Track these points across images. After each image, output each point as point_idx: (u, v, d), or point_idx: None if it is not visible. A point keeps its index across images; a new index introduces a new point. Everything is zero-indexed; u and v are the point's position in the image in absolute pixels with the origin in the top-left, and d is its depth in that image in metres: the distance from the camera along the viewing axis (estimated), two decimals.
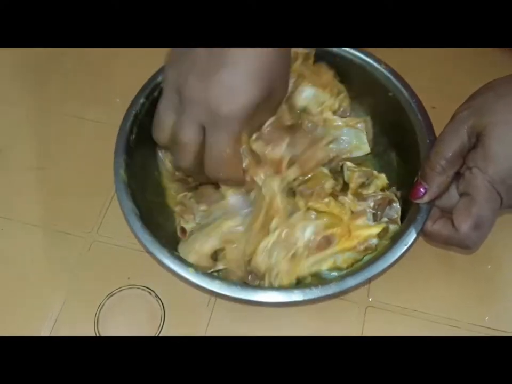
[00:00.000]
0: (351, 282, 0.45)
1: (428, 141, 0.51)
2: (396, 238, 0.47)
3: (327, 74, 0.54)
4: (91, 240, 0.55)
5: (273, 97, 0.46)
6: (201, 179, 0.50)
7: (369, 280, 0.47)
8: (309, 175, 0.51)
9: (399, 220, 0.50)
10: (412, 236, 0.46)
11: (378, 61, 0.55)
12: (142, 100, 0.53)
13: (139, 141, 0.52)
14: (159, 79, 0.54)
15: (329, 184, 0.50)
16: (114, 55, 0.67)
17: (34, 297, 0.52)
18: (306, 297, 0.45)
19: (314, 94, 0.53)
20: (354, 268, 0.47)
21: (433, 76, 0.65)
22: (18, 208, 0.57)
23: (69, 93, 0.66)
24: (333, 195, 0.50)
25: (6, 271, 0.54)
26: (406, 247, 0.46)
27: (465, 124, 0.44)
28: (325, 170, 0.52)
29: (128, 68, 0.67)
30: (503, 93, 0.44)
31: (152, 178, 0.55)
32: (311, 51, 0.54)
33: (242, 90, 0.42)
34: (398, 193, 0.53)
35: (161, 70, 0.54)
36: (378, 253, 0.47)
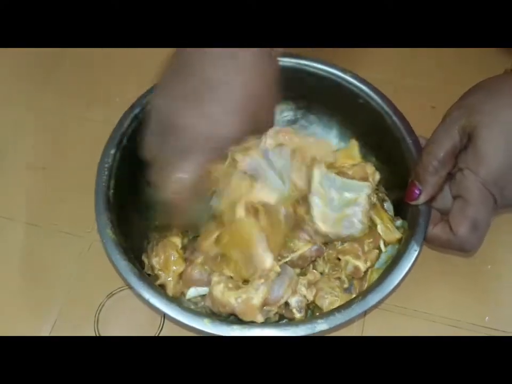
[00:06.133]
0: (373, 299, 0.44)
1: (410, 141, 0.51)
2: (404, 245, 0.46)
3: None
4: (91, 240, 0.55)
5: (257, 128, 0.45)
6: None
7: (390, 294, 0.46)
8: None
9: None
10: (419, 241, 0.46)
11: (343, 69, 0.55)
12: (112, 151, 0.52)
13: (118, 193, 0.51)
14: (125, 126, 0.53)
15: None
16: (114, 55, 0.67)
17: (34, 297, 0.52)
18: (332, 325, 0.43)
19: None
20: (372, 284, 0.46)
21: (433, 76, 0.65)
22: (18, 208, 0.57)
23: (69, 93, 0.66)
24: None
25: (6, 271, 0.53)
26: (416, 252, 0.46)
27: (456, 124, 0.44)
28: None
29: (127, 68, 0.67)
30: (494, 92, 0.44)
31: (137, 226, 0.54)
32: None
33: (225, 123, 0.43)
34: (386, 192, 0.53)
35: (126, 117, 0.53)
36: (390, 265, 0.46)
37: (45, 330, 0.50)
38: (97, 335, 0.49)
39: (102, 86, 0.66)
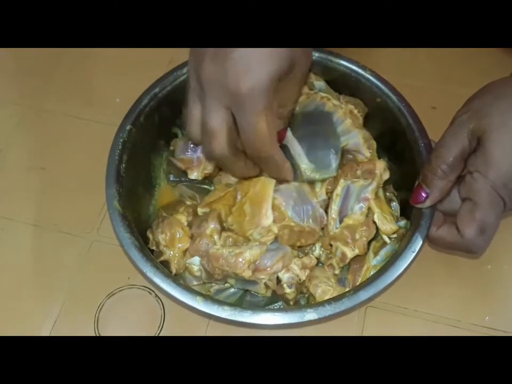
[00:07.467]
0: (364, 295, 0.44)
1: (422, 144, 0.51)
2: (403, 245, 0.47)
3: None
4: (91, 240, 0.55)
5: (296, 68, 0.44)
6: (238, 169, 0.47)
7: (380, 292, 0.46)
8: None
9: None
10: (418, 243, 0.46)
11: (363, 67, 0.55)
12: (128, 127, 0.52)
13: (130, 168, 0.51)
14: (143, 103, 0.53)
15: None
16: (114, 55, 0.67)
17: (34, 297, 0.52)
18: (321, 315, 0.43)
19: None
20: (365, 280, 0.46)
21: (433, 76, 0.65)
22: (18, 208, 0.57)
23: (69, 93, 0.66)
24: None
25: (6, 271, 0.53)
26: (414, 254, 0.46)
27: (465, 127, 0.44)
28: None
29: (128, 68, 0.67)
30: (501, 95, 0.44)
31: (145, 202, 0.55)
32: None
33: (259, 65, 0.41)
34: (396, 193, 0.53)
35: (146, 95, 0.54)
36: (386, 263, 0.47)
37: (45, 330, 0.50)
38: (97, 335, 0.49)
39: (102, 86, 0.66)
